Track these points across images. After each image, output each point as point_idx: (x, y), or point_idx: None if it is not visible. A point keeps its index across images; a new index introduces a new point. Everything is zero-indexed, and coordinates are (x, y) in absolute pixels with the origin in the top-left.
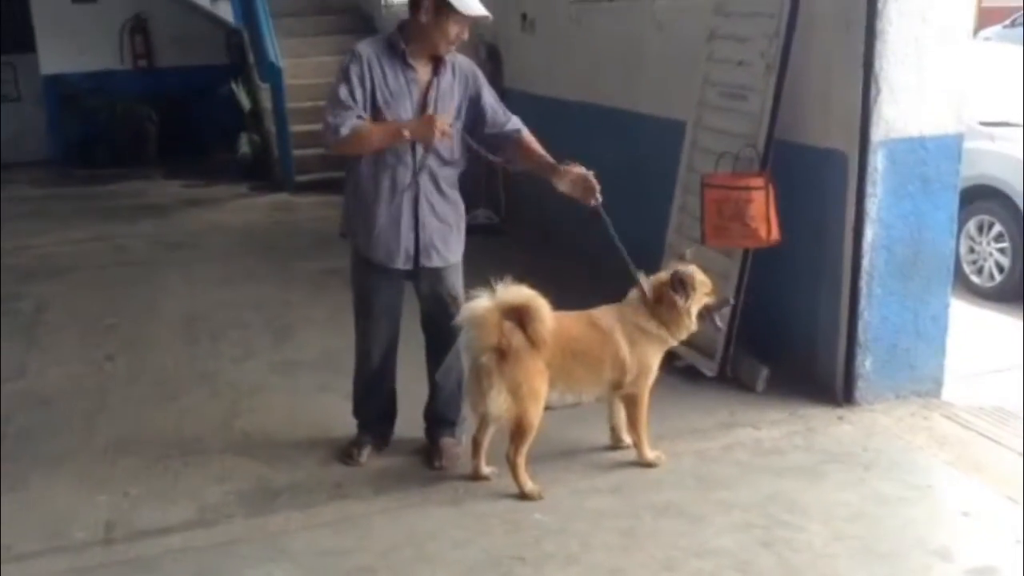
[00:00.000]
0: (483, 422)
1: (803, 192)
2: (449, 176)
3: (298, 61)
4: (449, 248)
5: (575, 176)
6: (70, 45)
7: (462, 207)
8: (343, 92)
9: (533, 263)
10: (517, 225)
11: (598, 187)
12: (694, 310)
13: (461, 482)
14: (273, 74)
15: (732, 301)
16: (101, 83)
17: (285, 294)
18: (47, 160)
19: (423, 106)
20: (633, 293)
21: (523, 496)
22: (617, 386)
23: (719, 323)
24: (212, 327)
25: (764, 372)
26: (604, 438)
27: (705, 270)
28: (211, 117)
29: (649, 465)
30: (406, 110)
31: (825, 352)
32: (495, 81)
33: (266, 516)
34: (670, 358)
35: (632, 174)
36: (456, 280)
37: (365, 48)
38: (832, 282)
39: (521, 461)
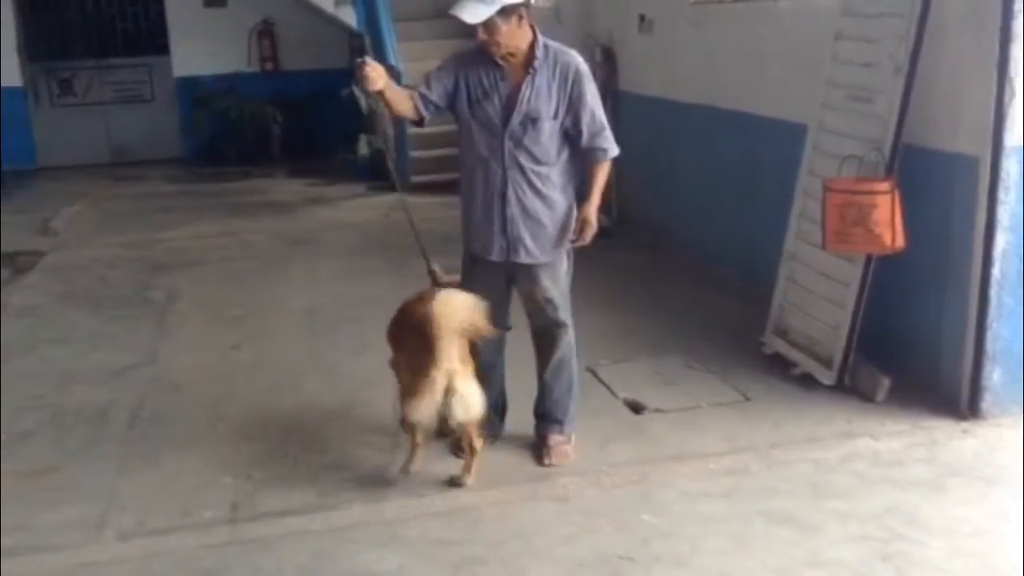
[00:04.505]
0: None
1: (930, 198)
2: (546, 175)
3: (417, 65)
4: (540, 246)
5: (583, 217)
6: (201, 48)
7: (562, 209)
8: (427, 75)
9: (643, 267)
10: (627, 227)
11: (587, 239)
12: None
13: (570, 479)
14: (393, 77)
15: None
16: (230, 85)
17: (400, 291)
18: (178, 158)
19: (512, 103)
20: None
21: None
22: None
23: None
24: (331, 320)
25: (885, 382)
26: (717, 444)
27: None
28: (332, 119)
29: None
30: (493, 107)
31: (950, 363)
32: (609, 83)
33: (381, 503)
34: (786, 365)
35: (750, 178)
36: (550, 282)
37: (465, 50)
38: (959, 291)
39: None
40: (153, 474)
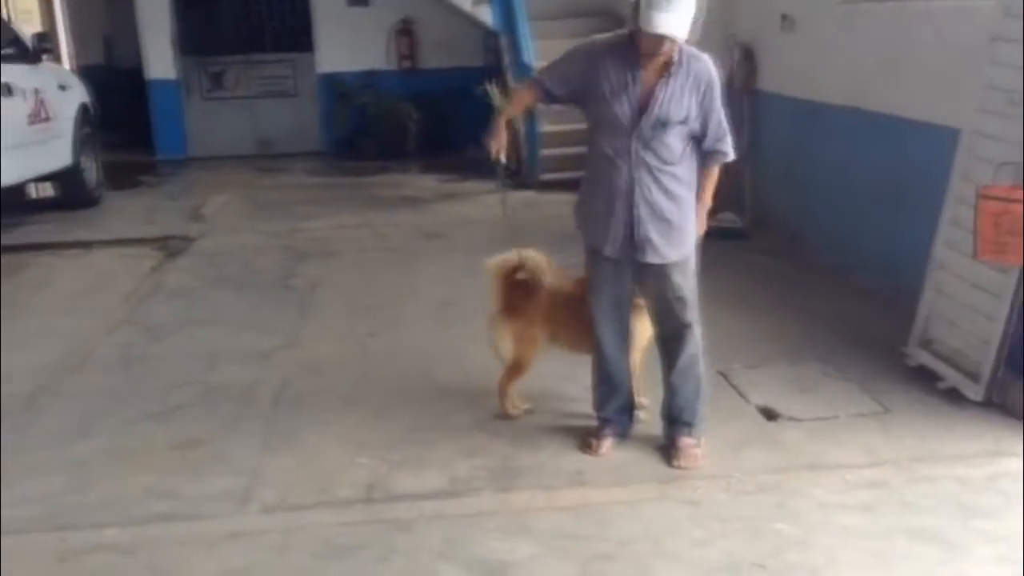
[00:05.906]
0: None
1: None
2: (675, 174)
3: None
4: (670, 245)
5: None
6: (344, 45)
7: (690, 205)
8: (553, 61)
9: (780, 270)
10: (763, 229)
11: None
12: None
13: (701, 482)
14: (527, 75)
15: None
16: (369, 81)
17: None
18: (319, 151)
19: (644, 105)
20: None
21: (503, 415)
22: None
23: None
24: (463, 312)
25: None
26: (856, 456)
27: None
28: (466, 116)
29: None
30: (622, 105)
31: None
32: (749, 82)
33: (511, 493)
34: (930, 378)
35: (895, 182)
36: (682, 281)
37: (602, 39)
38: None
39: (511, 390)
40: (294, 451)
